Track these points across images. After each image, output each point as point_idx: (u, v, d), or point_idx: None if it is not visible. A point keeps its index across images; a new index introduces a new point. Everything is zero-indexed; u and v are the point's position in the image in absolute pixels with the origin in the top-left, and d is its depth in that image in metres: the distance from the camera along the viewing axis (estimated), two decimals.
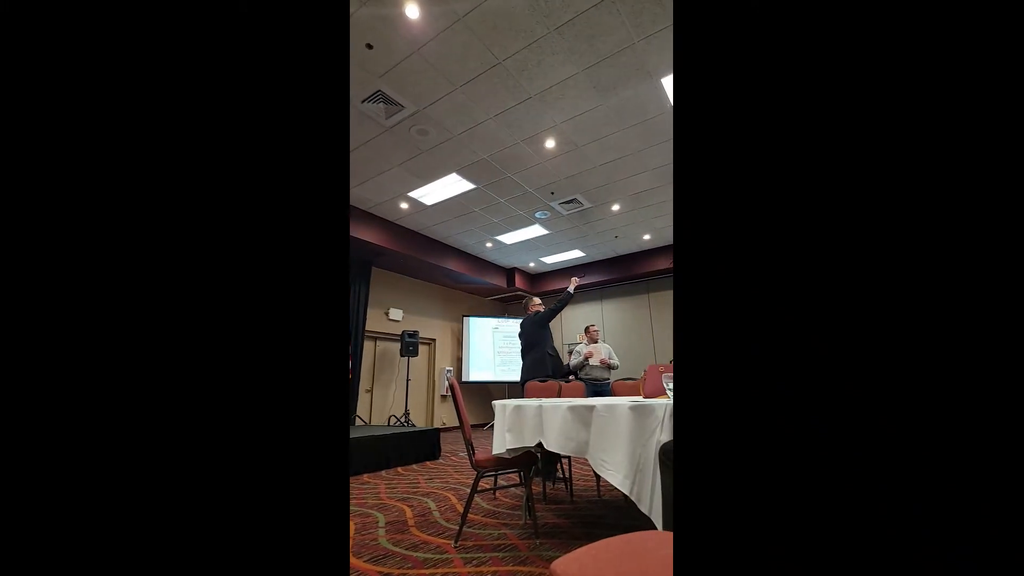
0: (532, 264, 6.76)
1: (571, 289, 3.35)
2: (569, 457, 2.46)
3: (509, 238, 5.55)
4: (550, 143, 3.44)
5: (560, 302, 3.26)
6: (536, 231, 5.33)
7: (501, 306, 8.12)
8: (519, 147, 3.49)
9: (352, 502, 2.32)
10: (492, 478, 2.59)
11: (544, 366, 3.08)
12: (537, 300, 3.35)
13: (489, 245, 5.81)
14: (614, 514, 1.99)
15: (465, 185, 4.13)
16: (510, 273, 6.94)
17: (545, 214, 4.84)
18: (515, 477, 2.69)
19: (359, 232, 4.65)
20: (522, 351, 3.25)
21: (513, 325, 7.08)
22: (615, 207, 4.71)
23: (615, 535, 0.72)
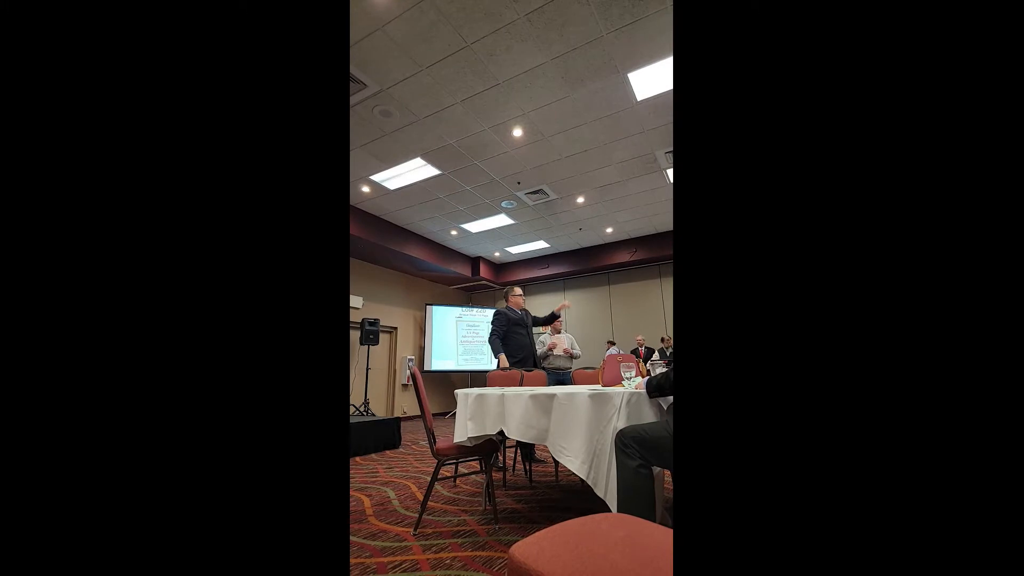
0: (497, 254, 6.75)
1: (557, 311, 3.33)
2: (532, 444, 2.52)
3: (475, 227, 5.49)
4: (517, 132, 3.42)
5: (546, 318, 3.33)
6: (502, 220, 5.31)
7: (465, 295, 8.07)
8: (486, 134, 3.44)
9: None
10: (453, 466, 2.60)
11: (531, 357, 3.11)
12: (519, 290, 3.26)
13: (454, 233, 5.73)
14: (571, 498, 2.06)
15: (430, 171, 4.03)
16: (475, 262, 6.90)
17: (511, 204, 4.83)
18: (476, 464, 2.72)
19: None
20: (506, 338, 3.04)
21: (477, 315, 7.07)
22: (580, 199, 4.78)
23: (572, 518, 0.75)
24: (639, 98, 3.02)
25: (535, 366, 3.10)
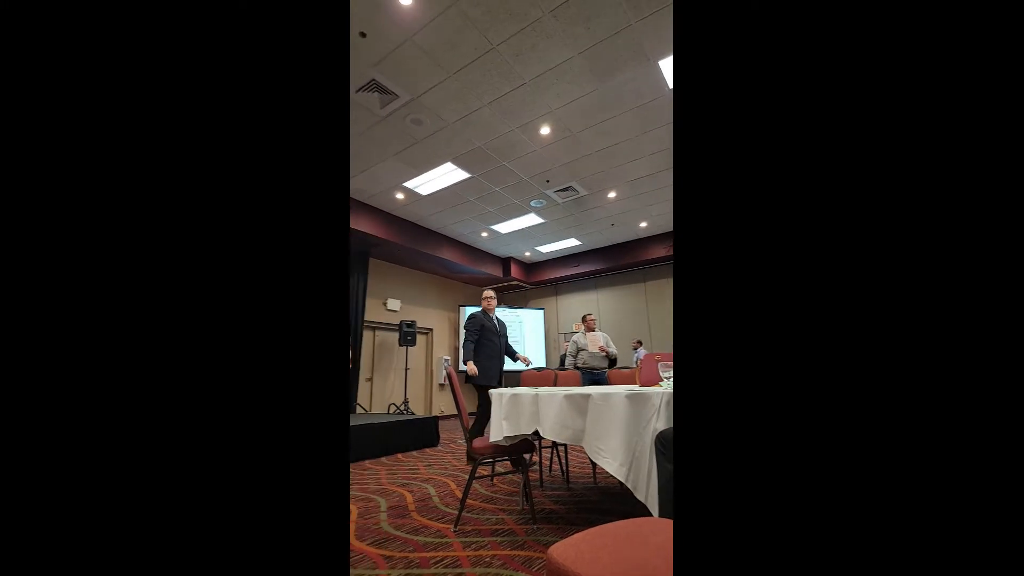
0: (528, 253, 6.74)
1: (521, 362, 3.13)
2: (565, 444, 2.50)
3: (504, 227, 5.52)
4: (545, 130, 3.40)
5: (510, 351, 3.19)
6: (532, 220, 5.31)
7: (497, 296, 8.13)
8: (514, 134, 3.45)
9: (354, 487, 2.35)
10: (490, 465, 2.63)
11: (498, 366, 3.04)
12: (490, 293, 3.18)
13: (484, 235, 5.79)
14: (610, 501, 2.03)
15: (460, 174, 4.09)
16: (506, 262, 6.93)
17: (540, 202, 4.81)
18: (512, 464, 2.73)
19: (356, 223, 4.61)
20: (478, 344, 3.00)
21: (509, 315, 7.10)
22: (611, 194, 4.68)
23: (611, 521, 0.74)
24: (672, 85, 2.92)
25: (500, 380, 3.04)
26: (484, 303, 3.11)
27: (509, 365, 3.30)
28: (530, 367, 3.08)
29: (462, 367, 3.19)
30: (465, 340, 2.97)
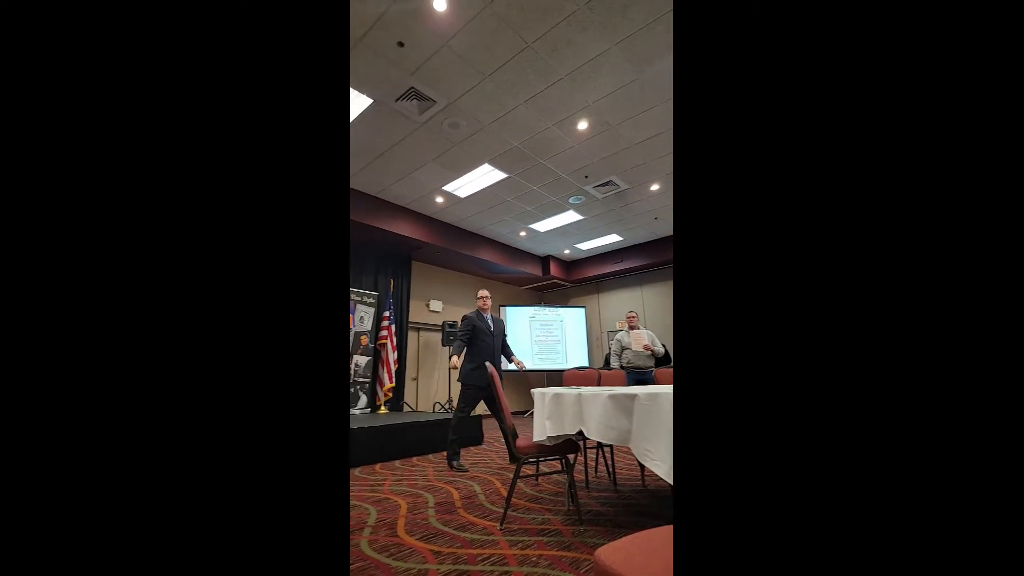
0: (567, 251, 6.67)
1: (514, 365, 3.11)
2: (611, 445, 2.44)
3: (542, 226, 5.49)
4: (582, 124, 3.34)
5: (507, 351, 3.16)
6: (570, 217, 5.24)
7: (537, 295, 8.11)
8: (550, 131, 3.42)
9: (403, 483, 2.44)
10: (534, 464, 2.63)
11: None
12: (484, 293, 3.16)
13: (523, 234, 5.79)
14: (660, 505, 1.95)
15: (497, 175, 4.12)
16: (545, 261, 6.89)
17: (579, 199, 4.74)
18: (557, 464, 2.71)
19: (399, 227, 4.79)
20: (472, 343, 2.98)
21: (550, 314, 7.06)
22: (654, 187, 4.51)
23: (661, 526, 0.71)
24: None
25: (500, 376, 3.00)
26: (478, 303, 3.12)
27: (505, 365, 3.25)
28: (524, 370, 3.10)
29: (508, 365, 3.19)
30: (455, 339, 2.99)
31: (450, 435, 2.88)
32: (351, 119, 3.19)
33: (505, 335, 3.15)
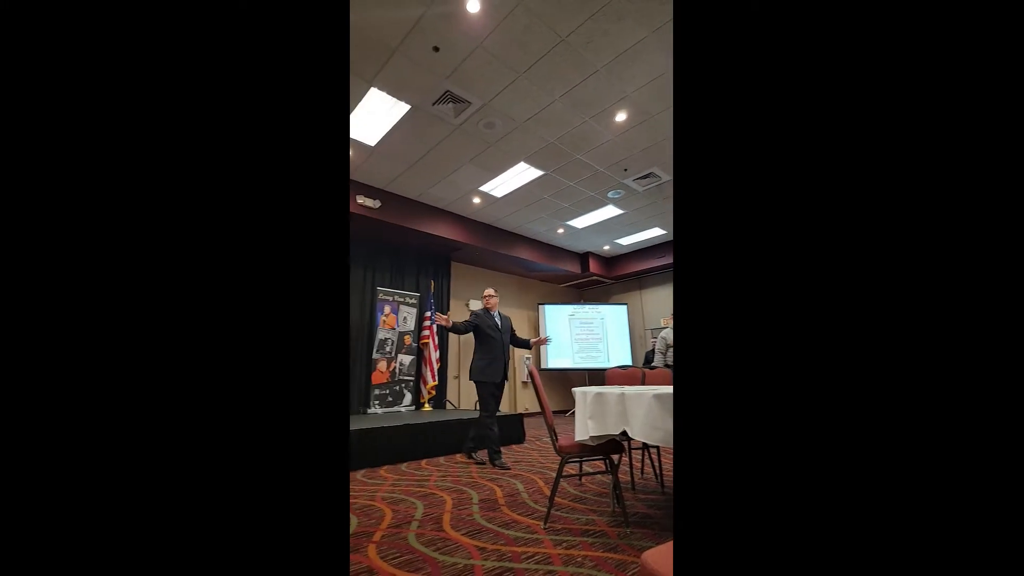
0: (607, 247, 6.52)
1: (534, 342, 3.20)
2: (657, 446, 2.35)
3: (580, 222, 5.40)
4: (621, 116, 3.25)
5: (523, 341, 3.21)
6: (609, 212, 5.11)
7: (576, 292, 8.00)
8: (587, 125, 3.35)
9: (447, 479, 2.50)
10: (577, 464, 2.59)
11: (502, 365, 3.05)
12: (491, 291, 3.19)
13: (560, 231, 5.73)
14: None
15: (533, 173, 4.11)
16: (583, 258, 6.78)
17: (619, 193, 4.61)
18: (601, 464, 2.66)
19: (437, 229, 4.91)
20: (479, 339, 3.07)
21: (590, 311, 6.94)
22: None
23: None
24: None
25: (505, 375, 3.00)
26: (485, 301, 3.17)
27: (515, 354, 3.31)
28: (549, 341, 3.17)
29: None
30: (460, 323, 3.07)
31: (491, 450, 2.91)
32: (389, 127, 3.31)
33: (513, 330, 3.23)
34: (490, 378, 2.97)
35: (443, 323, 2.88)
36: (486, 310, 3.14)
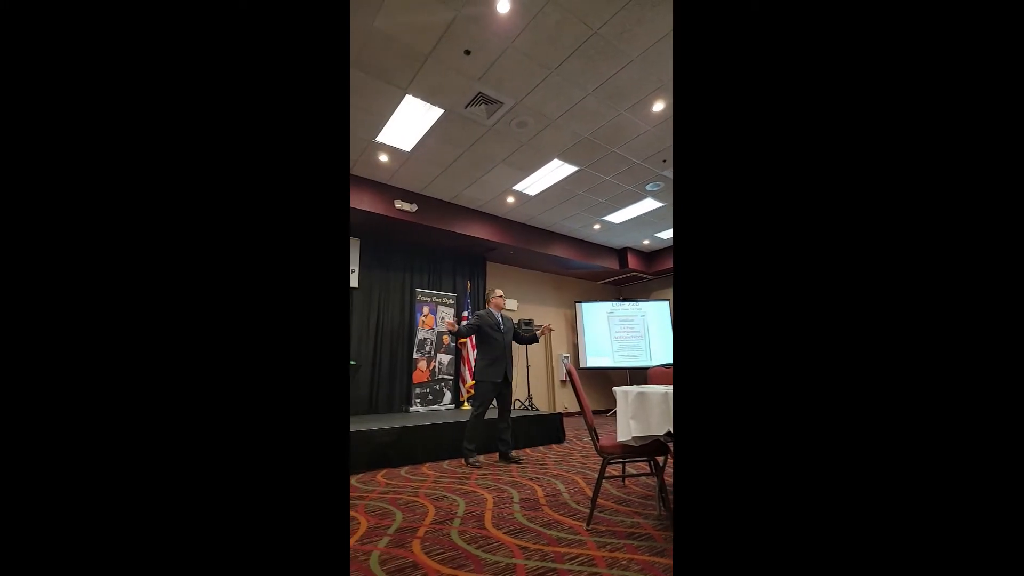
0: (646, 241, 6.31)
1: (539, 333, 3.16)
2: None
3: (618, 217, 5.27)
4: (658, 106, 3.13)
5: (528, 338, 3.21)
6: (648, 205, 4.95)
7: (615, 289, 7.82)
8: (622, 118, 3.26)
9: (488, 478, 2.53)
10: (619, 464, 2.53)
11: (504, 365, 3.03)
12: (499, 292, 3.20)
13: (597, 227, 5.62)
14: None
15: (567, 169, 4.06)
16: (622, 254, 6.61)
17: (657, 185, 4.45)
18: (645, 466, 2.58)
19: (471, 230, 4.98)
20: (482, 339, 3.10)
21: (630, 308, 6.76)
22: None
23: None
24: None
25: (507, 375, 2.97)
26: (492, 302, 3.20)
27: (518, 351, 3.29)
28: (552, 331, 3.10)
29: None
30: (465, 325, 3.13)
31: (465, 444, 2.95)
32: (423, 132, 3.39)
33: (514, 329, 3.24)
34: (490, 378, 3.00)
35: (449, 328, 2.96)
36: (488, 310, 3.18)
